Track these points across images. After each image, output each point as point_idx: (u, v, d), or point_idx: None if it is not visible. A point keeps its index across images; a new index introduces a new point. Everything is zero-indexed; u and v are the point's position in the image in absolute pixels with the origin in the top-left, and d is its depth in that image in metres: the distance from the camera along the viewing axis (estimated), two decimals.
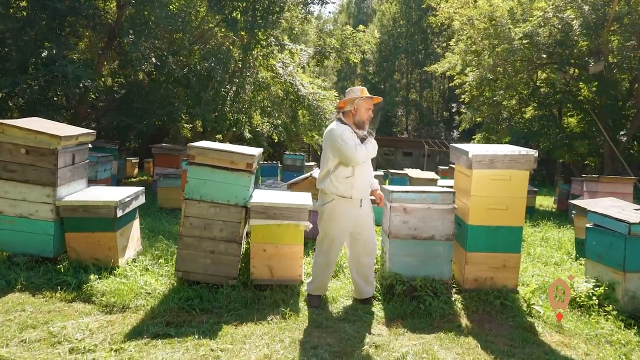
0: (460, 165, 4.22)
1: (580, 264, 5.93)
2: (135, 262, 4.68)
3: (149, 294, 3.93)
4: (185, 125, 16.12)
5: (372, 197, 4.02)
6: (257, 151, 4.26)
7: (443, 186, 7.70)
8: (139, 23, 12.41)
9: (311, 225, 4.21)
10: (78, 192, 4.60)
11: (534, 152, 3.91)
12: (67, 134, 4.31)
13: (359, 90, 3.83)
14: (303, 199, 4.35)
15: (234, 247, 4.18)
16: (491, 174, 3.98)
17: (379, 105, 3.97)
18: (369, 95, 3.83)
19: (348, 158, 3.64)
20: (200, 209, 4.16)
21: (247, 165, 4.11)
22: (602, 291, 4.16)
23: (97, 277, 4.03)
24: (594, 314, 4.02)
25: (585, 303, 4.14)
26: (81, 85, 11.19)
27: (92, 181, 8.49)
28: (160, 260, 4.76)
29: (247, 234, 4.68)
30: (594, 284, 4.29)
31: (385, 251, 4.18)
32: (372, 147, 3.78)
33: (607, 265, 4.25)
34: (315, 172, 6.47)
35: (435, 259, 4.12)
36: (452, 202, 4.11)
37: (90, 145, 4.88)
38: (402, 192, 4.09)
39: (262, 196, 4.32)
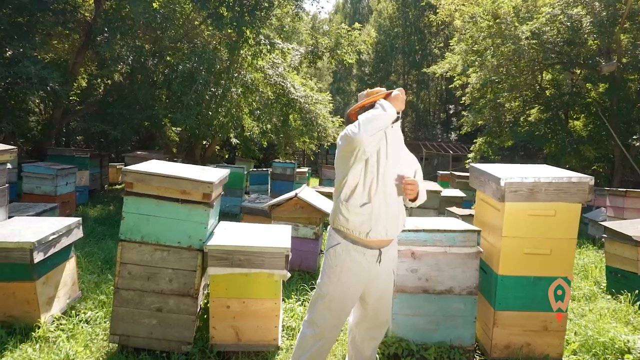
0: (486, 194, 3.21)
1: (618, 302, 4.95)
2: (66, 315, 3.65)
3: None
4: (173, 128, 15.08)
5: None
6: (217, 176, 3.24)
7: (457, 200, 6.53)
8: (113, 20, 11.37)
9: (289, 275, 3.19)
10: None
11: (588, 179, 2.90)
12: None
13: (364, 95, 2.62)
14: (279, 238, 3.32)
15: (187, 302, 3.16)
16: (530, 208, 2.97)
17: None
18: (379, 95, 2.55)
19: (350, 141, 2.31)
20: (142, 254, 3.14)
21: (203, 195, 3.08)
22: None
23: None
24: None
25: None
26: (49, 88, 10.12)
27: (51, 197, 7.47)
28: (99, 313, 3.72)
29: (206, 286, 3.65)
30: None
31: None
32: (378, 112, 2.35)
33: None
34: (302, 191, 5.45)
35: (453, 319, 3.10)
36: (476, 244, 3.10)
37: (9, 166, 3.84)
38: (409, 231, 3.08)
39: (224, 236, 3.29)
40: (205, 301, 3.59)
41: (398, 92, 2.47)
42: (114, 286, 3.17)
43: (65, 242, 3.67)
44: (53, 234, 3.49)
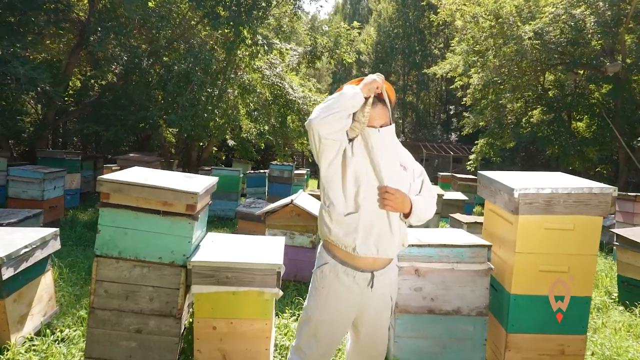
0: (497, 205, 2.93)
1: (633, 315, 4.68)
2: (41, 335, 3.37)
3: None
4: (170, 130, 14.79)
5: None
6: (202, 185, 2.96)
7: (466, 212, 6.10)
8: (107, 18, 11.09)
9: (281, 293, 2.92)
10: None
11: (611, 190, 2.63)
12: None
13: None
14: (271, 252, 3.05)
15: (170, 323, 2.89)
16: (546, 222, 2.69)
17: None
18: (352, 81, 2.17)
19: (307, 128, 2.02)
20: (120, 271, 2.86)
21: (187, 207, 2.81)
22: None
23: None
24: None
25: None
26: (39, 88, 9.86)
27: (38, 202, 7.19)
28: (77, 331, 3.45)
29: (190, 305, 3.37)
30: None
31: (389, 330, 2.90)
32: (336, 94, 2.04)
33: None
34: (298, 197, 5.18)
35: (461, 342, 2.83)
36: (487, 259, 2.82)
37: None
38: (412, 245, 2.80)
39: (210, 250, 3.01)
40: (190, 321, 3.32)
41: (372, 76, 2.09)
42: (89, 305, 2.89)
43: (39, 255, 3.38)
44: (25, 247, 3.21)
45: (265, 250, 3.09)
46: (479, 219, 5.13)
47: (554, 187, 2.66)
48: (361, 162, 2.09)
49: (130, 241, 2.83)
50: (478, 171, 3.31)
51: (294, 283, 5.00)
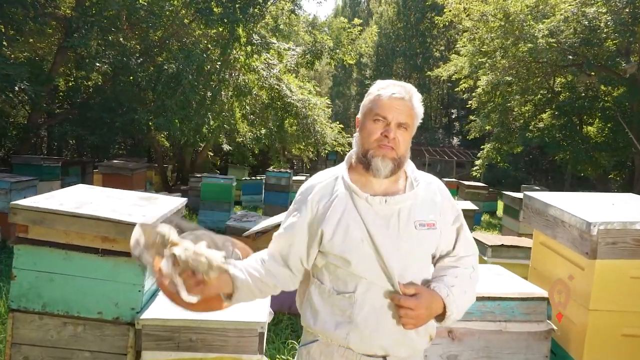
0: (558, 241, 2.17)
1: None
2: None
3: None
4: (162, 134, 14.05)
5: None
6: (159, 213, 2.20)
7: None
8: (92, 13, 10.37)
9: (266, 359, 2.17)
10: None
11: None
12: None
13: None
14: (252, 302, 2.28)
15: None
16: (634, 268, 1.93)
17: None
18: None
19: None
20: (45, 330, 2.10)
21: None
22: None
23: None
24: None
25: None
26: (17, 87, 9.14)
27: (5, 215, 6.41)
28: None
29: None
30: None
31: None
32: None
33: None
34: None
35: None
36: (547, 317, 2.06)
37: None
38: None
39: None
40: None
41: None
42: None
43: None
44: None
45: None
46: (506, 240, 4.35)
47: None
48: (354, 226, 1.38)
49: (58, 290, 2.07)
50: (524, 192, 2.55)
51: (289, 317, 4.24)
